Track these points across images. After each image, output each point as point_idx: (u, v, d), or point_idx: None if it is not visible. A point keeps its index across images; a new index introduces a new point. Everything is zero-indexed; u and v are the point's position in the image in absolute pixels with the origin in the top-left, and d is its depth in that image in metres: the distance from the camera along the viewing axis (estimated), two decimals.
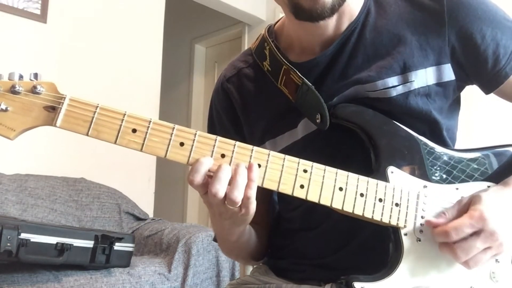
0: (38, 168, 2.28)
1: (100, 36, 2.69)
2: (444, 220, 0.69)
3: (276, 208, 0.94)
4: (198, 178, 0.63)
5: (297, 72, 0.78)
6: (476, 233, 0.65)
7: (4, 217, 1.81)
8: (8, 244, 1.46)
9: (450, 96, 0.79)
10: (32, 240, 1.54)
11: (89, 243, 1.71)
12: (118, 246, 1.78)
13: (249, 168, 0.64)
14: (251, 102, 0.88)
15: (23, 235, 1.52)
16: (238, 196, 0.63)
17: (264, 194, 0.71)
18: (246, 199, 0.64)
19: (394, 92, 0.75)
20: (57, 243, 1.61)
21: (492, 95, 0.81)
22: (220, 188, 0.62)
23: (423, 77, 0.76)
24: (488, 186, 0.74)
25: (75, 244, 1.66)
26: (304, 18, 0.76)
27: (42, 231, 1.59)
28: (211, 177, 0.64)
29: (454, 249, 0.66)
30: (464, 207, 0.69)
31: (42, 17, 2.44)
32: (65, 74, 2.48)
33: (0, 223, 1.47)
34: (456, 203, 0.71)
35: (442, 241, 0.67)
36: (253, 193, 0.65)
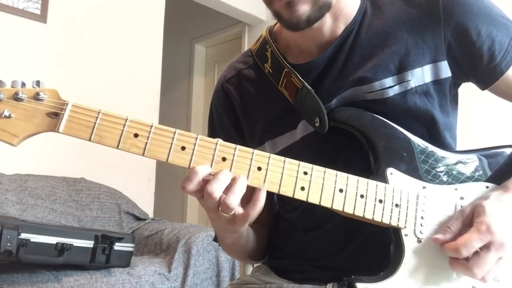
0: (38, 168, 2.28)
1: (100, 36, 2.69)
2: (450, 235, 0.69)
3: (276, 208, 0.94)
4: (191, 186, 0.62)
5: (298, 75, 0.79)
6: (485, 247, 0.65)
7: (4, 217, 1.81)
8: (8, 244, 1.46)
9: (447, 93, 0.79)
10: (32, 240, 1.54)
11: (89, 243, 1.72)
12: (118, 246, 1.79)
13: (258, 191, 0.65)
14: (251, 103, 0.88)
15: (23, 235, 1.52)
16: (234, 201, 0.62)
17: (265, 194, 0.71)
18: (242, 216, 0.64)
19: (391, 92, 0.76)
20: (57, 243, 1.61)
21: (492, 95, 0.82)
22: (216, 188, 0.62)
23: (420, 76, 0.76)
24: (487, 187, 0.74)
25: (75, 244, 1.66)
26: (284, 26, 0.77)
27: (42, 231, 1.59)
28: (206, 181, 0.63)
29: (470, 267, 0.66)
30: (468, 218, 0.70)
31: (42, 17, 2.44)
32: (65, 74, 2.48)
33: (0, 223, 1.48)
34: (459, 214, 0.71)
35: (453, 257, 0.68)
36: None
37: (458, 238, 0.67)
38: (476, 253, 0.66)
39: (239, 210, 0.64)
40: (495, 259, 0.66)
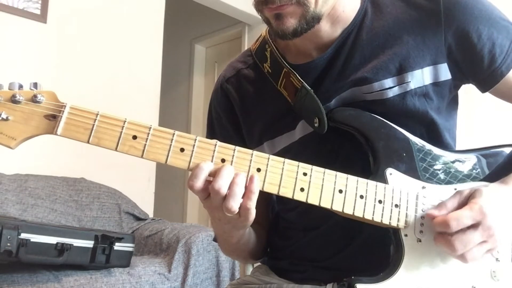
0: (38, 168, 2.28)
1: (100, 36, 2.69)
2: (444, 211, 0.69)
3: (275, 208, 0.94)
4: (198, 183, 0.63)
5: (297, 75, 0.79)
6: (473, 226, 0.66)
7: (4, 217, 1.81)
8: (8, 244, 1.46)
9: (446, 95, 0.79)
10: (32, 240, 1.54)
11: (89, 243, 1.72)
12: (118, 246, 1.78)
13: (250, 180, 0.65)
14: (250, 103, 0.88)
15: (23, 235, 1.52)
16: (233, 205, 0.62)
17: (264, 195, 0.72)
18: (245, 209, 0.64)
19: (391, 93, 0.76)
20: (57, 243, 1.61)
21: (492, 96, 0.82)
22: (223, 184, 0.62)
23: (420, 78, 0.76)
24: (486, 186, 0.74)
25: (75, 244, 1.66)
26: (272, 33, 0.79)
27: (42, 231, 1.59)
28: (211, 182, 0.64)
29: (452, 241, 0.66)
30: (464, 199, 0.70)
31: (42, 17, 2.44)
32: (64, 74, 2.48)
33: (0, 223, 1.48)
34: (457, 194, 0.71)
35: (441, 231, 0.67)
36: (252, 204, 0.65)
37: (450, 214, 0.67)
38: (462, 230, 0.66)
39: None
40: (479, 240, 0.66)
